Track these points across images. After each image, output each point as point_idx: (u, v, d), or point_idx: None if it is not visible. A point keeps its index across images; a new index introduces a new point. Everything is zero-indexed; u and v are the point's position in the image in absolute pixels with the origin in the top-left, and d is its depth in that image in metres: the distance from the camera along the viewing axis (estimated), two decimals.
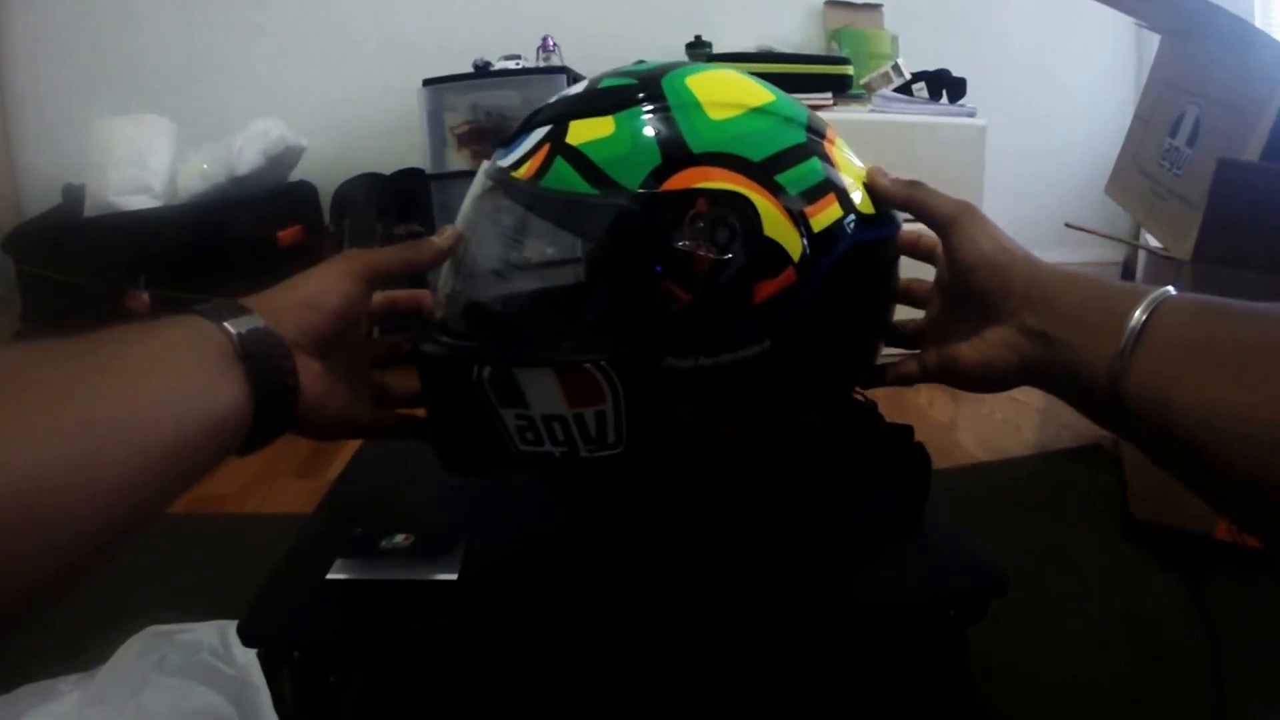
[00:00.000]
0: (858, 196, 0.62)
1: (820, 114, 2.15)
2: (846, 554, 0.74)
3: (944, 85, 2.58)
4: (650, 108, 0.59)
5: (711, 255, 0.56)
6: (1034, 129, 3.14)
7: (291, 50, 2.89)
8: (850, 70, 2.47)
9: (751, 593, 0.69)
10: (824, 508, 0.74)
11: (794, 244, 0.57)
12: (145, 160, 2.51)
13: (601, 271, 0.58)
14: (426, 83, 2.53)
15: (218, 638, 1.03)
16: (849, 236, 0.60)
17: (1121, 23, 1.91)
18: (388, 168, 2.79)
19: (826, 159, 0.61)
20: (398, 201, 2.61)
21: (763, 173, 0.57)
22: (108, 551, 0.39)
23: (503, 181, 0.62)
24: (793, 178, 0.58)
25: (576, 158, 0.58)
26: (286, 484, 1.67)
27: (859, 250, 0.61)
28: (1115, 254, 3.18)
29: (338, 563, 0.72)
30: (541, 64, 2.66)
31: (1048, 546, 1.35)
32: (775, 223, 0.57)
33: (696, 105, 0.59)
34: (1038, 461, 1.68)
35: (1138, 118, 1.71)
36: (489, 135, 2.52)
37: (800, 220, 0.58)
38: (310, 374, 0.53)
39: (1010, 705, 1.03)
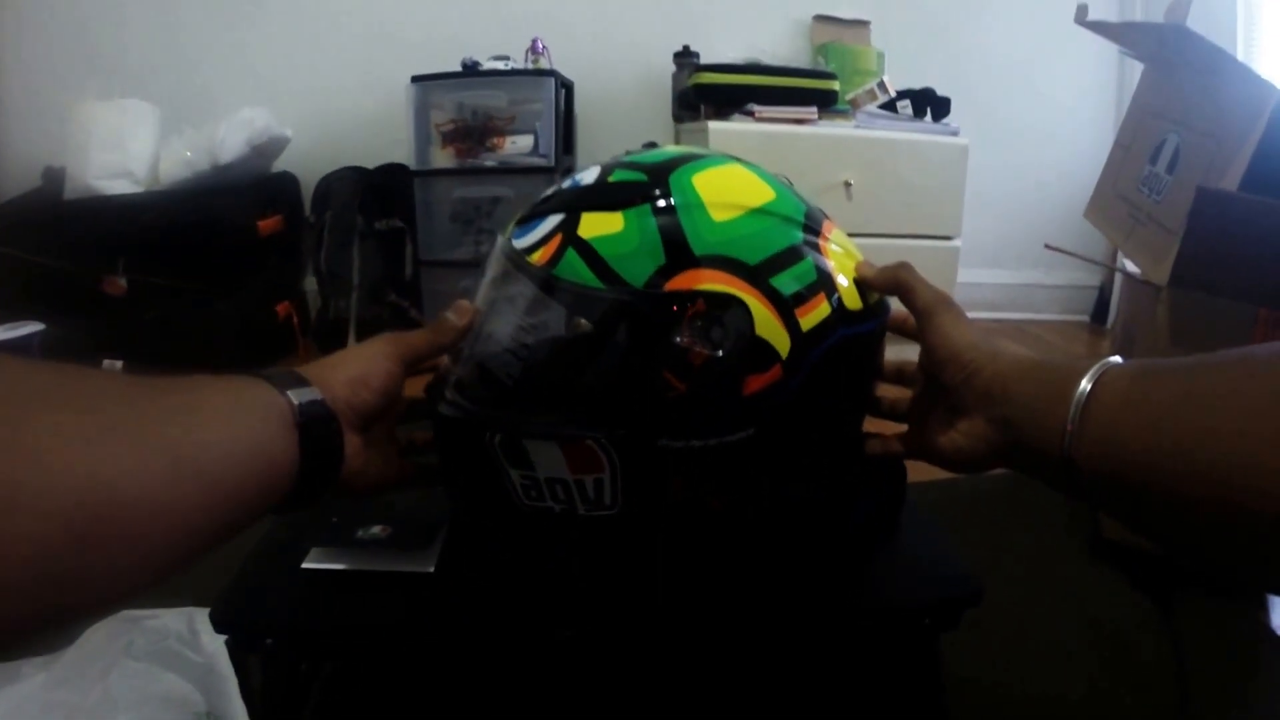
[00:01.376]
0: (847, 288, 0.67)
1: (805, 128, 2.15)
2: (824, 561, 0.77)
3: (928, 103, 2.61)
4: (657, 206, 0.64)
5: (706, 351, 0.61)
6: (1016, 150, 3.18)
7: (280, 39, 2.88)
8: (836, 86, 2.49)
9: (731, 597, 0.71)
10: (809, 523, 0.76)
11: (782, 342, 0.63)
12: (127, 145, 2.49)
13: (606, 358, 0.63)
14: (415, 79, 2.53)
15: (185, 625, 1.01)
16: (835, 334, 0.65)
17: (1104, 48, 1.94)
18: (371, 161, 2.78)
19: (820, 255, 0.66)
20: (379, 196, 2.61)
21: (758, 276, 0.62)
22: (155, 583, 0.42)
23: (518, 264, 0.66)
24: (786, 279, 0.63)
25: (587, 251, 0.62)
26: None
27: (843, 345, 0.66)
28: (1092, 277, 3.22)
29: (313, 551, 0.73)
30: (530, 66, 2.66)
31: (1018, 561, 1.37)
32: (766, 323, 0.62)
33: (700, 206, 0.64)
34: (1010, 478, 1.68)
35: (1118, 144, 1.73)
36: (474, 134, 2.53)
37: (790, 320, 0.63)
38: (352, 446, 0.59)
39: (978, 715, 1.04)
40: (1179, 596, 1.25)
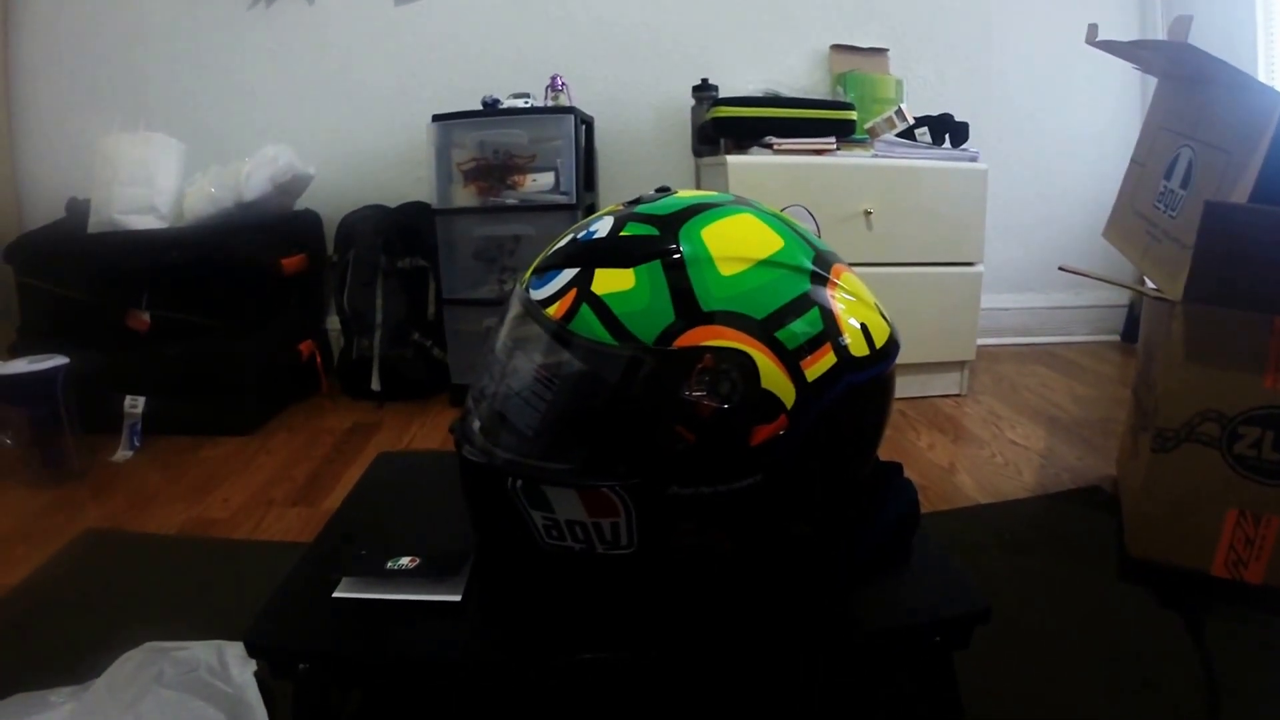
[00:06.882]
0: (855, 333, 0.69)
1: (824, 158, 2.14)
2: (834, 585, 0.78)
3: (947, 130, 2.60)
4: (668, 261, 0.66)
5: (715, 404, 0.63)
6: (1036, 173, 3.16)
7: (303, 78, 2.92)
8: (854, 116, 2.49)
9: (750, 618, 0.73)
10: (824, 550, 0.77)
11: (788, 393, 0.65)
12: (152, 180, 2.52)
13: (619, 411, 0.66)
14: (436, 118, 2.55)
15: (215, 656, 1.03)
16: (840, 382, 0.67)
17: (1126, 68, 1.93)
18: (392, 200, 2.80)
19: (829, 302, 0.68)
20: (402, 234, 2.62)
21: (764, 330, 0.65)
22: None
23: (535, 316, 0.69)
24: (791, 332, 0.66)
25: (600, 308, 0.65)
26: (282, 511, 1.65)
27: (849, 392, 0.68)
28: (1121, 295, 3.19)
29: (344, 581, 0.76)
30: (550, 103, 2.68)
31: (1046, 586, 1.34)
32: (772, 376, 0.64)
33: (709, 260, 0.66)
34: (1037, 503, 1.66)
35: (1134, 161, 1.72)
36: (495, 172, 2.54)
37: (795, 372, 0.65)
38: None
39: None
40: (1210, 613, 1.23)
